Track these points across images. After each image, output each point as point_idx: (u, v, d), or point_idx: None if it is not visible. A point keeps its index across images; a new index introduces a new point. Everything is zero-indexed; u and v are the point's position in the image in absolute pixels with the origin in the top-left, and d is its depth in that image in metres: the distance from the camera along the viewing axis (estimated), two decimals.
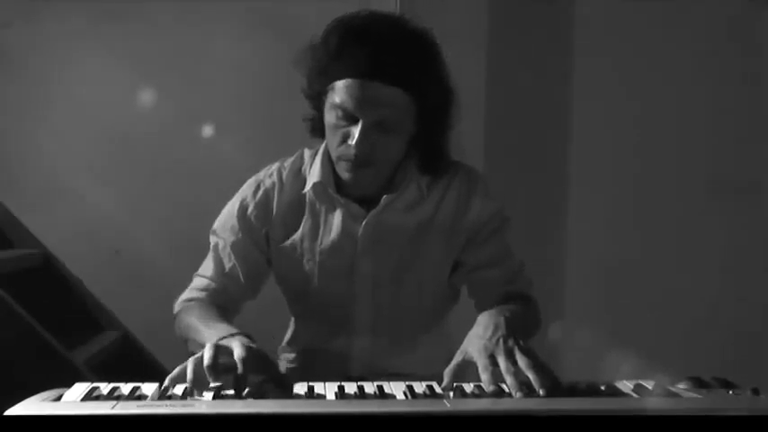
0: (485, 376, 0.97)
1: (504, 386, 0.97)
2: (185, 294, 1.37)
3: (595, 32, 2.43)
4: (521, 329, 1.09)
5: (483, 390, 0.99)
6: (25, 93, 2.40)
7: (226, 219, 1.38)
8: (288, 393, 0.99)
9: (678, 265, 2.45)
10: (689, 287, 2.43)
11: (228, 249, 1.35)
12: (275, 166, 1.39)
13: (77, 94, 2.42)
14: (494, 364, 0.99)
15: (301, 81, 1.30)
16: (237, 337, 1.09)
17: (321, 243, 1.32)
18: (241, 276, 1.35)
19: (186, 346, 1.26)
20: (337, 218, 1.32)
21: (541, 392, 0.93)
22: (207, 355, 0.99)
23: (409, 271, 1.34)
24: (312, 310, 1.40)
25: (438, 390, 1.00)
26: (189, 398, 0.95)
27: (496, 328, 1.06)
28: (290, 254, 1.35)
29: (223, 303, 1.34)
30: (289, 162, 1.39)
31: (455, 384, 1.02)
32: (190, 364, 1.00)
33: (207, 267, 1.38)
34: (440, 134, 1.31)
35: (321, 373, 1.39)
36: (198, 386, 0.97)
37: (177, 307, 1.36)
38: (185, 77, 2.40)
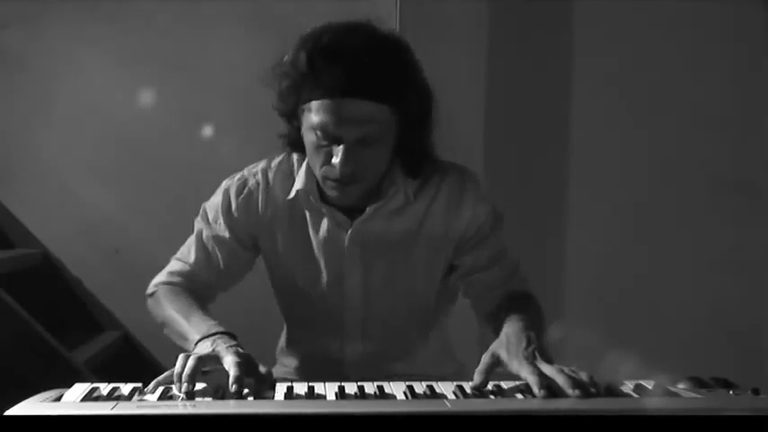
0: (533, 378, 0.97)
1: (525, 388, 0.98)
2: (161, 277, 1.36)
3: (595, 32, 2.43)
4: (544, 341, 1.11)
5: (501, 388, 1.01)
6: (25, 93, 2.39)
7: (211, 210, 1.36)
8: (271, 391, 1.01)
9: (678, 265, 2.45)
10: (689, 287, 2.42)
11: (212, 241, 1.34)
12: (261, 166, 1.36)
13: (77, 94, 2.41)
14: (537, 370, 1.00)
15: (272, 97, 1.24)
16: (220, 339, 1.09)
17: (308, 250, 1.31)
18: (222, 266, 1.34)
19: (162, 328, 1.29)
20: (323, 226, 1.30)
21: (594, 391, 0.94)
22: (188, 367, 1.00)
23: (399, 278, 1.32)
24: (304, 318, 1.39)
25: (438, 390, 1.00)
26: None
27: (529, 341, 1.06)
28: (279, 260, 1.34)
29: (198, 289, 1.34)
30: (275, 162, 1.35)
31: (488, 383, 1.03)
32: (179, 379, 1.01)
33: (188, 253, 1.36)
34: (423, 138, 1.27)
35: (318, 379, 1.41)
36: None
37: (151, 289, 1.36)
38: (185, 77, 2.40)
